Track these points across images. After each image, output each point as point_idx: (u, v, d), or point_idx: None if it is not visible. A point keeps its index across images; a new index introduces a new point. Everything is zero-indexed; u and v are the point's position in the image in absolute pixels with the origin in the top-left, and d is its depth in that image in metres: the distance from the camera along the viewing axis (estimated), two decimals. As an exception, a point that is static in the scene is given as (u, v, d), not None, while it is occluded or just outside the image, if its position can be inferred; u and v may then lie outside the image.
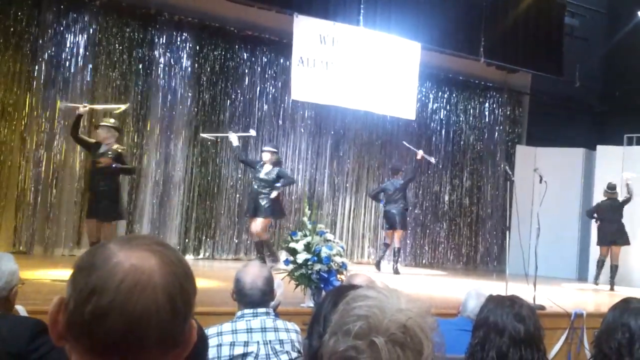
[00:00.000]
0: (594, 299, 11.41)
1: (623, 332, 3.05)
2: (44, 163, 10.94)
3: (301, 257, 7.20)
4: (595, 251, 13.63)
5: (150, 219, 11.92)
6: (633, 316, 3.08)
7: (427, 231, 15.13)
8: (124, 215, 9.21)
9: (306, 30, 11.76)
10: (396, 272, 12.43)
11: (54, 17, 11.11)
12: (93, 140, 9.21)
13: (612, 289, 12.49)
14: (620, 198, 12.88)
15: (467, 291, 4.66)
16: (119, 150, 9.03)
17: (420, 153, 12.88)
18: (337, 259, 7.32)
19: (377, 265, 12.59)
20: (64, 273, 8.16)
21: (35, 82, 10.97)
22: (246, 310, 3.85)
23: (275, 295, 4.08)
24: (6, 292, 3.49)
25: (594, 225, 13.58)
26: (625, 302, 3.19)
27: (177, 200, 12.18)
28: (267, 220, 11.13)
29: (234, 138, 11.28)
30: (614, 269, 12.83)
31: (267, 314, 3.85)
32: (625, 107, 16.08)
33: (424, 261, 14.99)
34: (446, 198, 15.45)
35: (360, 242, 14.32)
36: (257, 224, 11.05)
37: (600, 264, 12.95)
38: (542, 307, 8.34)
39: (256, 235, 11.16)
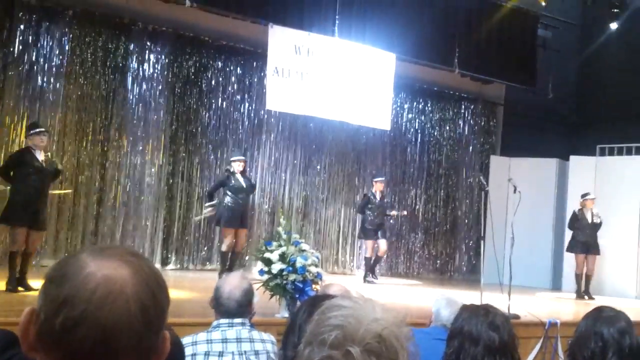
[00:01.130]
0: (568, 308, 11.49)
1: (596, 340, 3.07)
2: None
3: (276, 267, 7.19)
4: (569, 260, 13.70)
5: (122, 229, 11.82)
6: (606, 325, 3.09)
7: (403, 241, 15.15)
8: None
9: (281, 40, 11.76)
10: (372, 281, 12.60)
11: (26, 27, 10.99)
12: (19, 153, 8.57)
13: (590, 297, 12.59)
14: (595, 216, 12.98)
15: (437, 299, 4.64)
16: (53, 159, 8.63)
17: (394, 213, 13.29)
18: (312, 269, 7.32)
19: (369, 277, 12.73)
20: (35, 284, 8.10)
21: (6, 91, 10.84)
22: (222, 320, 3.83)
23: (253, 309, 4.05)
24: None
25: (567, 235, 13.68)
26: (598, 311, 3.21)
27: (149, 210, 12.09)
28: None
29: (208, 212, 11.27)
30: (588, 279, 12.92)
31: (243, 324, 3.82)
32: (598, 118, 16.25)
33: (399, 271, 15.00)
34: (421, 208, 15.49)
35: (335, 252, 14.30)
36: (244, 235, 11.11)
37: (579, 277, 12.96)
38: (517, 316, 8.38)
39: (241, 246, 11.17)
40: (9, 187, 8.23)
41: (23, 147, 8.60)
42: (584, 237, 12.85)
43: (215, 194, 11.28)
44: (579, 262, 12.94)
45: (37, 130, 8.35)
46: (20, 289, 7.84)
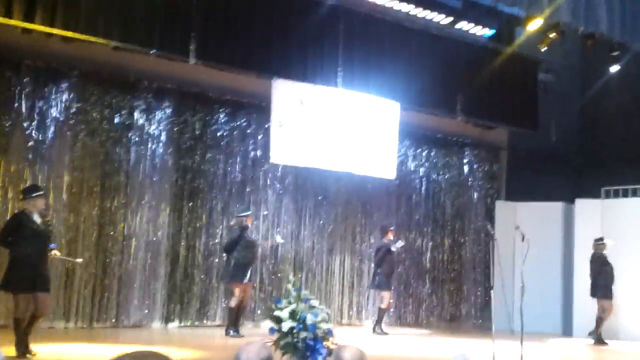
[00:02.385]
0: (581, 355, 11.38)
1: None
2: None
3: (286, 325, 7.16)
4: (579, 305, 13.62)
5: (131, 287, 11.77)
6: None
7: (410, 289, 15.08)
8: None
9: (285, 93, 11.89)
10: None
11: (33, 88, 11.08)
12: (19, 214, 8.41)
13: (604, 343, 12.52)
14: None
15: (455, 357, 4.59)
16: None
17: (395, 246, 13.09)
18: (323, 326, 7.28)
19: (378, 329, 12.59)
20: (50, 347, 8.08)
21: (13, 152, 10.90)
22: (238, 391, 3.80)
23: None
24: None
25: (577, 279, 13.63)
26: None
27: (157, 267, 12.07)
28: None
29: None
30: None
31: (259, 395, 3.78)
32: (602, 160, 16.27)
33: (408, 320, 14.90)
34: (428, 255, 15.45)
35: (343, 304, 14.22)
36: (250, 289, 11.19)
37: (600, 321, 12.86)
38: (530, 368, 8.34)
39: (247, 300, 11.23)
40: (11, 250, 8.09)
41: (17, 211, 8.50)
42: (606, 281, 12.85)
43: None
44: (607, 306, 12.86)
45: (39, 193, 8.35)
46: (33, 352, 7.78)
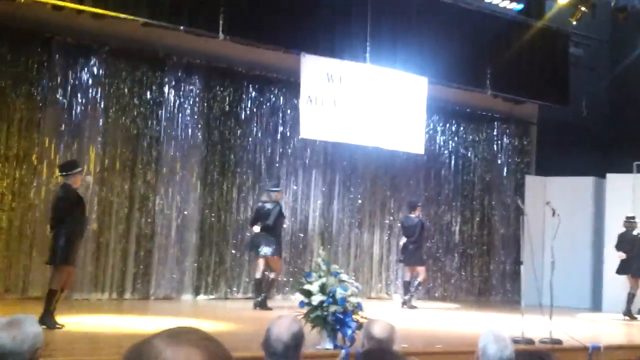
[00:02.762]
0: (610, 330, 11.35)
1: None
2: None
3: (316, 299, 7.23)
4: (609, 280, 13.57)
5: (163, 260, 11.93)
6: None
7: (439, 264, 15.09)
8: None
9: (313, 68, 11.87)
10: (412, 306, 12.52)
11: (64, 64, 11.23)
12: (69, 192, 8.43)
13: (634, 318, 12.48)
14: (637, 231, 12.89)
15: (484, 334, 4.59)
16: None
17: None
18: (352, 300, 7.34)
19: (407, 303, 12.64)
20: (80, 319, 8.22)
21: (45, 128, 11.06)
22: (270, 363, 3.85)
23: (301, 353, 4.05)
24: (30, 355, 3.51)
25: (607, 254, 13.57)
26: None
27: (190, 241, 12.21)
28: None
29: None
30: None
31: (291, 368, 3.83)
32: (633, 134, 16.09)
33: (436, 294, 14.94)
34: (457, 230, 15.43)
35: (372, 278, 14.29)
36: (274, 263, 11.29)
37: (631, 297, 12.80)
38: (559, 342, 8.33)
39: (276, 273, 11.34)
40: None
41: (61, 184, 8.59)
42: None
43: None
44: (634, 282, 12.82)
45: (79, 169, 8.52)
46: (60, 324, 7.92)
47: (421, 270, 12.85)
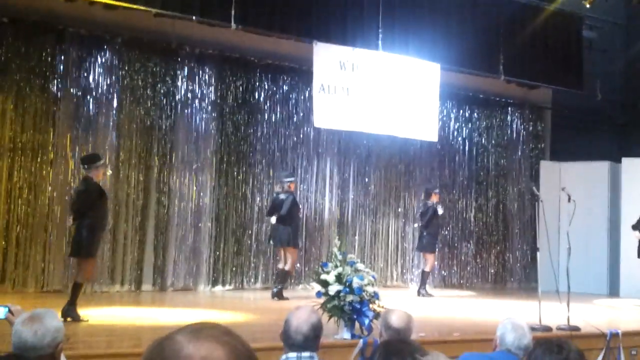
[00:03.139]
0: (628, 316, 11.31)
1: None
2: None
3: (333, 289, 7.23)
4: (627, 265, 13.50)
5: (180, 251, 11.98)
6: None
7: (455, 251, 15.07)
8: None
9: (326, 57, 11.84)
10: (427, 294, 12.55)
11: (77, 55, 11.26)
12: (93, 185, 8.47)
13: None
14: None
15: (502, 322, 4.60)
16: None
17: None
18: (369, 289, 7.34)
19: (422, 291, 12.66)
20: (99, 312, 8.26)
21: (60, 121, 11.10)
22: (290, 354, 3.86)
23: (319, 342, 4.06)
24: (52, 349, 3.54)
25: (623, 239, 13.50)
26: None
27: (205, 232, 12.24)
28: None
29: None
30: None
31: (312, 358, 3.85)
32: (648, 118, 16.04)
33: (452, 282, 14.92)
34: (472, 217, 15.39)
35: (388, 266, 14.29)
36: (289, 254, 11.31)
37: None
38: (577, 329, 8.31)
39: (290, 265, 11.35)
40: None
41: (84, 177, 8.61)
42: None
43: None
44: None
45: (102, 162, 8.62)
46: (84, 318, 7.96)
47: (429, 257, 12.86)
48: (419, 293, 12.65)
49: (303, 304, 4.38)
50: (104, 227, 8.67)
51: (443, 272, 14.81)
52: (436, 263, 13.19)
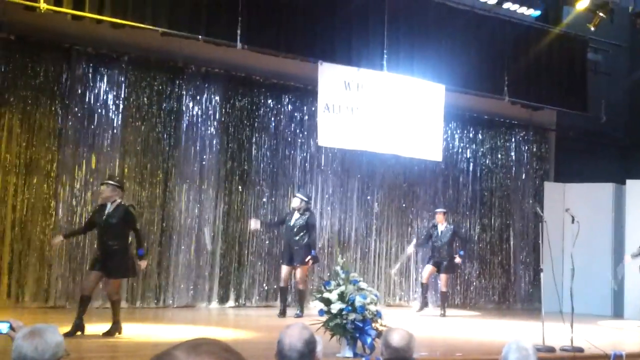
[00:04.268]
0: (632, 338, 11.25)
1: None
2: (77, 217, 11.05)
3: (335, 307, 7.23)
4: (630, 286, 13.46)
5: (182, 268, 11.98)
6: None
7: (459, 271, 15.02)
8: (132, 272, 8.83)
9: (331, 76, 11.90)
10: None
11: (84, 73, 11.34)
12: (96, 208, 8.95)
13: None
14: None
15: (507, 344, 4.58)
16: (127, 206, 8.65)
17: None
18: (372, 308, 7.34)
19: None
20: (101, 328, 8.26)
21: (65, 138, 11.15)
22: (287, 373, 3.85)
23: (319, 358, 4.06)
24: (52, 365, 3.54)
25: (628, 261, 13.45)
26: None
27: (207, 249, 12.25)
28: (304, 267, 11.19)
29: (253, 224, 11.62)
30: None
31: (310, 374, 3.84)
32: (652, 141, 16.05)
33: (456, 302, 14.87)
34: (476, 237, 15.37)
35: (391, 285, 14.26)
36: (297, 273, 11.20)
37: None
38: (581, 349, 8.28)
39: (299, 283, 11.29)
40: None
41: (125, 202, 8.86)
42: None
43: (275, 227, 12.22)
44: None
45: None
46: (78, 333, 7.98)
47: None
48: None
49: (294, 322, 4.38)
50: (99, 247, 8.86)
51: (448, 292, 14.74)
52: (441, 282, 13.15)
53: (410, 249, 13.75)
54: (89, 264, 8.71)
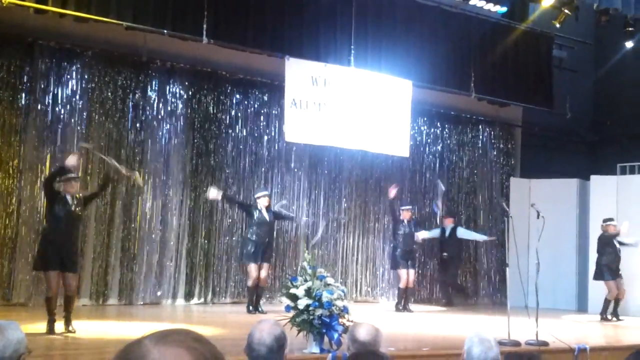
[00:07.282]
0: (596, 331, 11.38)
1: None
2: (40, 214, 10.87)
3: (302, 303, 7.20)
4: (595, 281, 13.58)
5: (147, 265, 11.87)
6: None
7: (426, 266, 15.09)
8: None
9: (298, 72, 11.85)
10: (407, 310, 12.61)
11: (47, 68, 11.16)
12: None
13: (618, 318, 12.48)
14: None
15: (469, 336, 4.59)
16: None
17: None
18: (339, 303, 7.32)
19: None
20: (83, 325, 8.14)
21: (28, 133, 10.98)
22: (255, 367, 3.82)
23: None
24: (14, 362, 3.48)
25: (592, 256, 13.58)
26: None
27: (173, 245, 12.15)
28: (271, 265, 11.22)
29: (213, 193, 11.39)
30: (618, 302, 12.76)
31: (274, 372, 3.81)
32: (617, 136, 16.24)
33: (422, 297, 14.92)
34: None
35: (358, 281, 14.27)
36: (266, 270, 11.19)
37: (611, 303, 12.74)
38: (546, 343, 8.34)
39: (264, 280, 11.27)
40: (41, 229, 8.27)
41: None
42: (614, 262, 12.69)
43: (234, 205, 12.15)
44: (612, 287, 12.73)
45: (70, 176, 8.26)
46: (57, 331, 7.88)
47: (399, 273, 12.98)
48: (397, 308, 12.68)
49: (266, 317, 4.35)
50: (56, 243, 8.27)
51: (415, 287, 14.78)
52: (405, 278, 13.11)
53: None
54: (48, 263, 8.18)
